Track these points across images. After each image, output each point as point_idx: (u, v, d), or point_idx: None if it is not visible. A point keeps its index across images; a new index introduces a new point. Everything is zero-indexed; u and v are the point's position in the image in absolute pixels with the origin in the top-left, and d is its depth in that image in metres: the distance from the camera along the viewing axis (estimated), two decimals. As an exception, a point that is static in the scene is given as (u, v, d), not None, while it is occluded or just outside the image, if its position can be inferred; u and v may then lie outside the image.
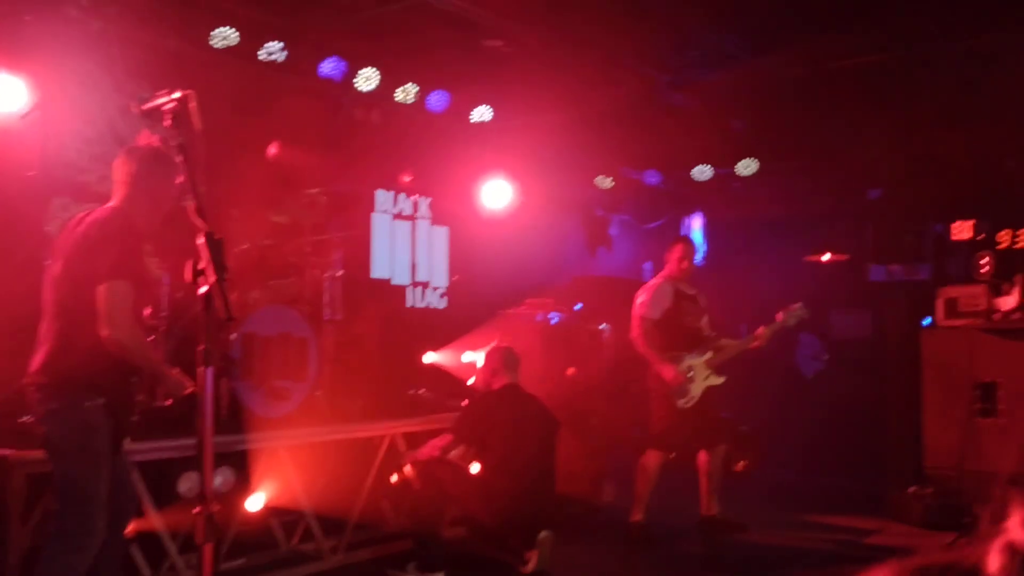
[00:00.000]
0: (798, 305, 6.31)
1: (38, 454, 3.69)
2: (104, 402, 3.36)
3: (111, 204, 3.54)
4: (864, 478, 7.74)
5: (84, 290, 3.31)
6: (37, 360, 3.41)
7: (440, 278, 8.08)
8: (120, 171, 3.56)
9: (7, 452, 3.88)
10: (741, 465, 8.50)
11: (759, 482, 8.28)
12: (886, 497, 6.91)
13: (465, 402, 5.58)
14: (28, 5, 5.11)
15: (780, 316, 6.28)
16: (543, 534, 5.13)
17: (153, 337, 4.70)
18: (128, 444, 3.65)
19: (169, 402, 4.66)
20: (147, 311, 4.82)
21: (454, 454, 5.37)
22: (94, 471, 3.34)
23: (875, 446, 7.81)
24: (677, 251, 6.26)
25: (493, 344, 5.69)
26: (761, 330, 6.19)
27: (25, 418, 4.11)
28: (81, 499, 3.31)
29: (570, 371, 6.84)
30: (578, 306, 7.33)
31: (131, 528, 3.86)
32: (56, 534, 3.32)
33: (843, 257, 8.75)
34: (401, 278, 7.73)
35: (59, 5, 5.20)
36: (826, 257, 8.82)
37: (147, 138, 3.54)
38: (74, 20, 5.26)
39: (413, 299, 7.83)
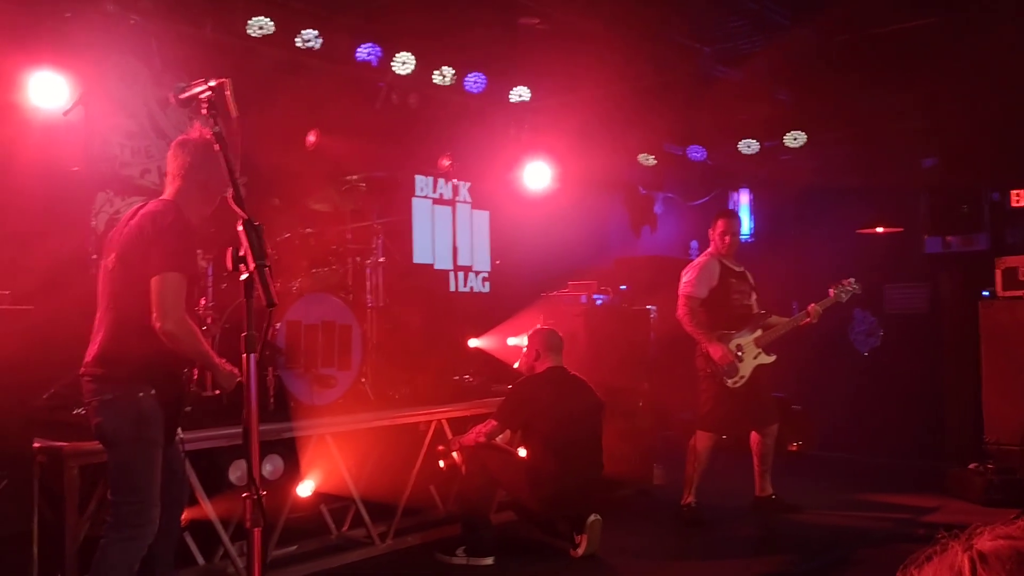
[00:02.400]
0: (850, 280, 6.16)
1: (92, 445, 3.75)
2: (157, 392, 3.39)
3: (164, 197, 3.56)
4: (922, 455, 7.56)
5: (137, 282, 3.34)
6: (91, 351, 3.45)
7: (482, 262, 8.05)
8: (172, 164, 3.58)
9: (62, 444, 3.94)
10: (795, 445, 8.36)
11: (813, 462, 8.13)
12: (945, 474, 6.74)
13: (509, 387, 5.54)
14: (68, 2, 5.16)
15: (832, 292, 6.13)
16: (592, 518, 5.08)
17: (204, 328, 4.74)
18: (180, 433, 3.68)
19: (219, 392, 4.72)
20: (201, 302, 4.88)
21: (500, 439, 5.34)
22: (148, 461, 3.38)
23: (933, 422, 7.62)
24: (720, 226, 6.12)
25: (535, 327, 5.63)
26: (812, 307, 6.05)
27: (79, 410, 4.18)
28: (135, 488, 3.35)
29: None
30: (623, 287, 7.23)
31: (184, 516, 3.90)
32: (111, 523, 3.37)
33: (897, 229, 8.52)
34: (443, 263, 7.71)
35: (98, 1, 5.24)
36: (879, 229, 8.60)
37: (199, 130, 3.52)
38: (112, 15, 5.30)
39: (456, 284, 7.81)
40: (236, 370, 3.46)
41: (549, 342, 5.38)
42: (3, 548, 3.63)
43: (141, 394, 3.36)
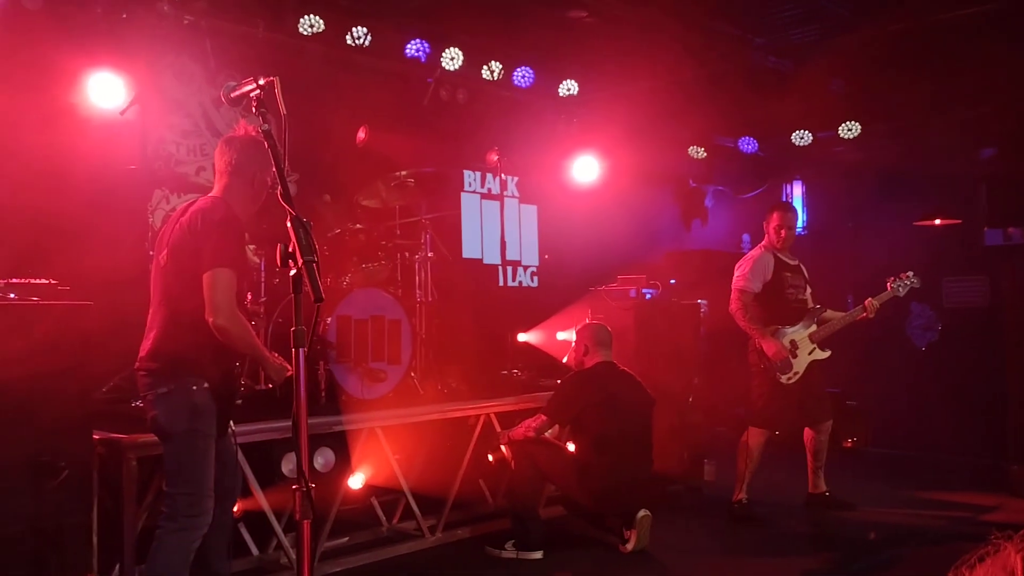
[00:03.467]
0: (908, 273, 6.01)
1: (150, 437, 3.83)
2: (209, 386, 3.45)
3: (213, 194, 3.62)
4: (981, 453, 7.37)
5: (189, 278, 3.40)
6: (146, 346, 3.53)
7: (531, 257, 8.04)
8: (220, 160, 3.63)
9: (121, 436, 4.03)
10: (850, 442, 8.21)
11: (869, 459, 7.98)
12: (1006, 472, 6.56)
13: (559, 381, 5.52)
14: (124, 4, 5.27)
15: (889, 285, 6.00)
16: (641, 513, 5.05)
17: (254, 323, 4.81)
18: (232, 426, 3.74)
19: (271, 386, 4.78)
20: (248, 297, 4.96)
21: (549, 434, 5.33)
22: (201, 452, 3.44)
23: (993, 419, 7.41)
24: (774, 219, 6.02)
25: (584, 322, 5.60)
26: (869, 301, 5.91)
27: (136, 403, 4.28)
28: (189, 480, 3.42)
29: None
30: (673, 281, 7.16)
31: (238, 508, 3.96)
32: (167, 515, 3.43)
33: (955, 221, 8.30)
34: (492, 258, 7.72)
35: (152, 2, 5.36)
36: (937, 222, 8.38)
37: (244, 127, 3.57)
38: (167, 16, 5.41)
39: (504, 278, 7.81)
40: (287, 364, 3.51)
41: (598, 337, 5.35)
42: (65, 538, 3.72)
43: (194, 387, 3.43)
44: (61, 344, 3.72)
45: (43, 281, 3.86)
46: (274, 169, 2.80)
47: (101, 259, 4.86)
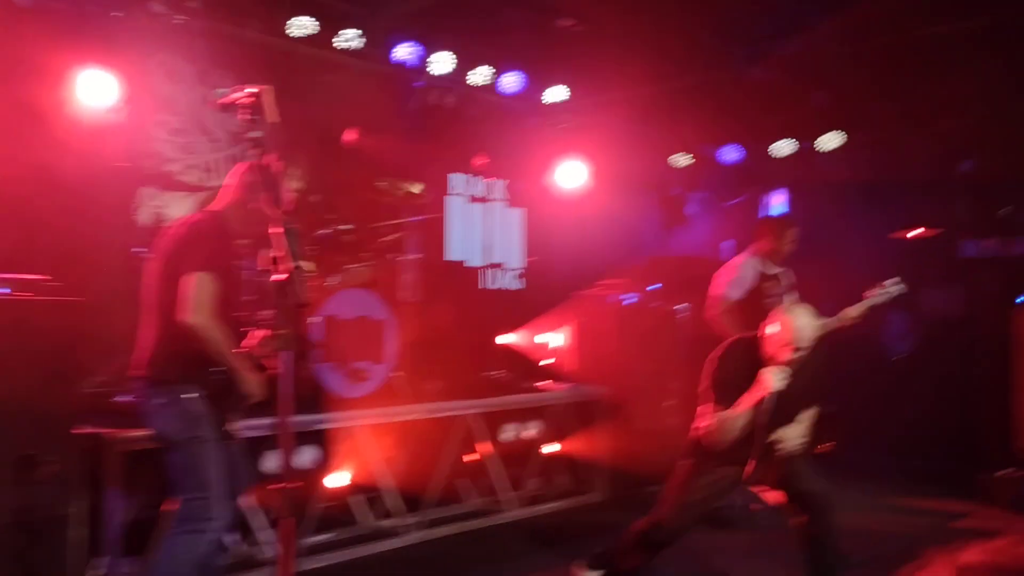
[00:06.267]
0: (889, 281, 6.06)
1: (134, 432, 3.91)
2: (200, 393, 3.52)
3: (212, 208, 3.70)
4: (953, 460, 7.48)
5: (176, 286, 3.46)
6: (140, 354, 3.59)
7: (515, 259, 8.11)
8: (233, 179, 3.69)
9: (105, 430, 4.08)
10: (825, 446, 8.31)
11: (843, 463, 8.07)
12: (975, 480, 6.68)
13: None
14: (116, 2, 5.31)
15: (868, 295, 6.06)
16: None
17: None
18: (231, 427, 3.78)
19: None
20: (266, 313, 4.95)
21: None
22: (203, 458, 3.51)
23: (965, 427, 7.55)
24: (784, 230, 6.05)
25: None
26: (849, 310, 5.98)
27: (119, 398, 4.33)
28: (196, 485, 3.49)
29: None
30: (654, 286, 7.26)
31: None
32: (178, 517, 3.50)
33: (933, 232, 8.42)
34: (476, 260, 7.79)
35: (145, 1, 5.39)
36: (915, 232, 8.50)
37: (271, 160, 3.55)
38: (159, 15, 5.45)
39: (488, 281, 7.89)
40: (262, 376, 3.55)
41: None
42: (55, 530, 3.78)
43: (186, 396, 3.49)
44: (51, 339, 3.78)
45: (36, 277, 3.91)
46: (274, 194, 2.84)
47: (86, 255, 4.90)
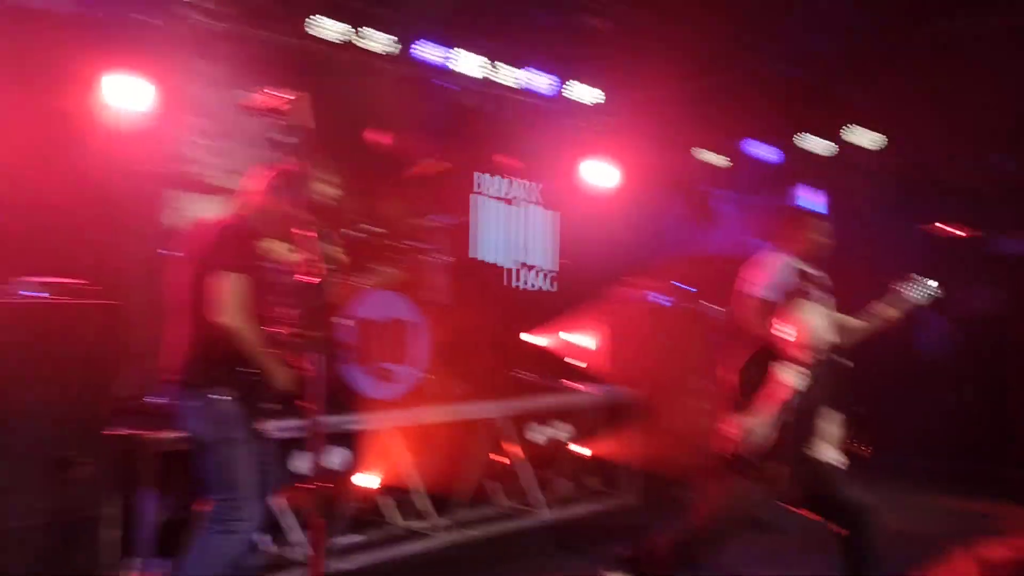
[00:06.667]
0: (920, 278, 5.93)
1: (168, 434, 3.95)
2: (230, 395, 3.55)
3: (240, 212, 3.72)
4: (987, 461, 7.37)
5: (208, 288, 3.49)
6: (172, 357, 3.63)
7: (544, 259, 8.10)
8: (260, 182, 3.71)
9: (140, 432, 4.13)
10: (863, 450, 8.20)
11: (874, 465, 7.96)
12: (1008, 480, 6.57)
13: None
14: (146, 8, 5.36)
15: (898, 290, 5.93)
16: None
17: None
18: (262, 428, 3.80)
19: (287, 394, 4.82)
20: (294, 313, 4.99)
21: None
22: (234, 460, 3.55)
23: (1000, 427, 7.43)
24: (803, 224, 5.92)
25: None
26: (887, 308, 5.84)
27: (152, 399, 4.37)
28: (228, 486, 3.53)
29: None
30: (687, 286, 7.20)
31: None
32: (209, 518, 3.53)
33: (972, 230, 8.28)
34: (505, 260, 7.78)
35: (175, 6, 5.44)
36: (950, 230, 8.37)
37: (297, 164, 3.57)
38: (189, 18, 5.50)
39: (518, 281, 7.87)
40: (294, 369, 3.56)
41: None
42: (88, 530, 3.83)
43: (218, 398, 3.53)
44: (87, 342, 3.83)
45: (72, 281, 3.96)
46: (304, 197, 2.86)
47: (120, 259, 4.95)
